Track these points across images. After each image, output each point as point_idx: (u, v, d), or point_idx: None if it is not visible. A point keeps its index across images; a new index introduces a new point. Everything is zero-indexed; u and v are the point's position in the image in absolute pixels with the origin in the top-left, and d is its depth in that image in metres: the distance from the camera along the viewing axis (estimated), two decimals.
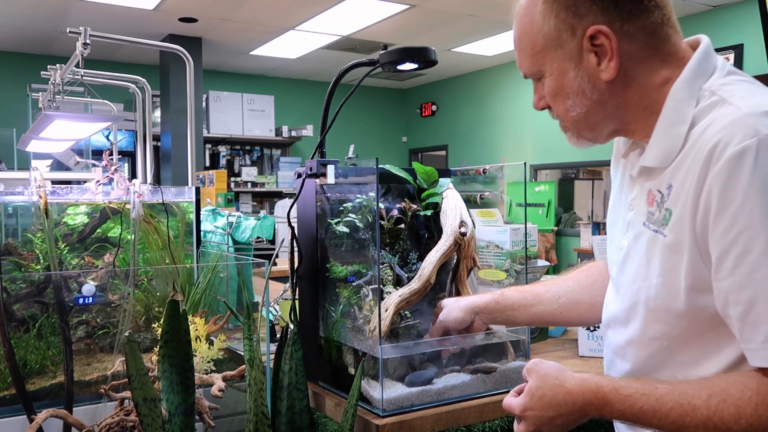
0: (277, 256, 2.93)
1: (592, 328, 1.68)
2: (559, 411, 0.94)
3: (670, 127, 0.91)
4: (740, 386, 0.83)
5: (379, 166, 1.38)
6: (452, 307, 1.32)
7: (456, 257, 1.46)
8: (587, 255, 6.25)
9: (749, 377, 0.83)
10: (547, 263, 2.06)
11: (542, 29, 0.96)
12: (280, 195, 7.68)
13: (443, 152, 8.68)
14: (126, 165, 6.60)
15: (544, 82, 0.99)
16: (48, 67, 2.63)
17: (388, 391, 1.27)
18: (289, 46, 6.68)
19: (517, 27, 1.00)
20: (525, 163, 1.56)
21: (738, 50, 5.21)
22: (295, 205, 1.47)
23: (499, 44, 6.69)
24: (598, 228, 6.33)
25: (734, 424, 0.82)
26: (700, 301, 0.88)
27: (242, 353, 1.63)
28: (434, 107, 8.74)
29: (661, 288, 0.92)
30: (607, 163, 6.62)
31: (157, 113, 6.79)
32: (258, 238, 2.12)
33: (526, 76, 1.03)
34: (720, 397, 0.83)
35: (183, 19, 5.70)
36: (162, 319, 1.20)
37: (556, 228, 7.01)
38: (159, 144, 6.84)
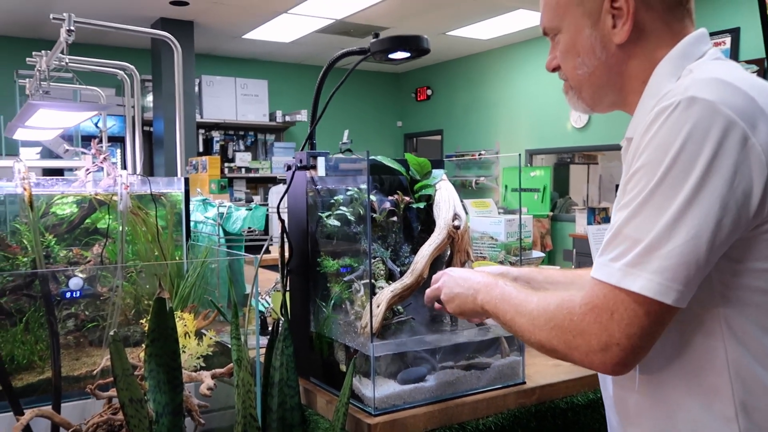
0: (268, 250, 2.89)
1: None
2: (460, 286, 1.12)
3: (647, 99, 0.94)
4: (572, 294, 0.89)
5: (371, 157, 1.35)
6: (483, 271, 1.23)
7: (449, 251, 1.43)
8: (583, 241, 6.23)
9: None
10: (542, 254, 2.04)
11: None
12: (274, 181, 7.64)
13: (438, 137, 8.63)
14: (117, 151, 6.53)
15: (560, 39, 1.01)
16: (33, 53, 2.57)
17: (380, 389, 1.24)
18: (283, 30, 6.60)
19: None
20: (519, 155, 1.53)
21: (735, 34, 5.17)
22: (285, 198, 1.44)
23: (494, 28, 6.62)
24: (594, 213, 6.31)
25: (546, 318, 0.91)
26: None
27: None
28: (429, 92, 8.68)
29: None
30: (601, 148, 6.53)
31: (150, 98, 6.72)
32: (249, 228, 2.09)
33: (545, 31, 1.05)
34: (553, 297, 0.92)
35: (174, 2, 5.62)
36: (148, 317, 1.17)
37: (551, 213, 6.99)
38: (152, 129, 6.77)
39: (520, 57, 7.33)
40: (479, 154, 7.65)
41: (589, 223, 6.27)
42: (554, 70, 1.06)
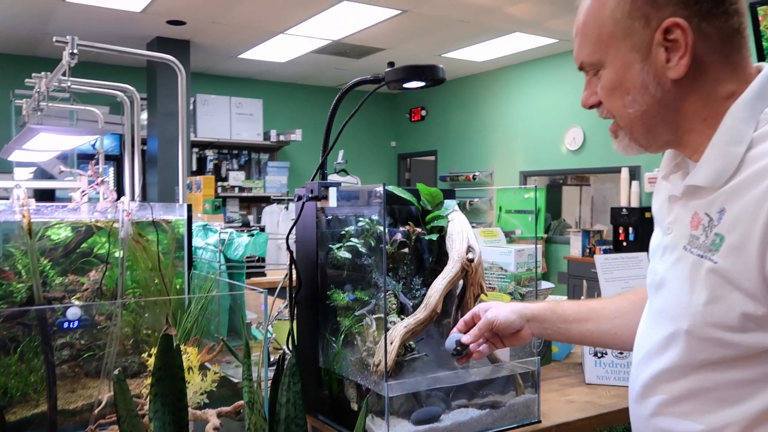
0: (264, 274, 2.84)
1: (600, 354, 1.62)
2: None
3: (728, 145, 0.86)
4: None
5: (386, 188, 1.31)
6: (501, 308, 1.20)
7: (462, 284, 1.39)
8: (577, 263, 6.22)
9: None
10: (552, 285, 2.00)
11: (613, 14, 0.90)
12: (267, 200, 7.59)
13: (432, 157, 8.63)
14: (111, 170, 6.47)
15: (601, 75, 0.94)
16: (33, 75, 2.53)
17: (393, 430, 1.20)
18: (279, 50, 6.60)
19: (584, 10, 0.95)
20: (536, 187, 1.49)
21: None
22: (294, 229, 1.40)
23: (489, 50, 6.65)
24: (588, 236, 6.30)
25: None
26: (757, 336, 0.82)
27: (235, 379, 1.56)
28: (423, 112, 8.69)
29: (709, 317, 0.85)
30: (593, 170, 6.55)
31: (144, 115, 6.68)
32: (250, 255, 2.05)
33: (583, 66, 0.97)
34: None
35: (171, 22, 5.60)
36: (154, 355, 1.12)
37: (545, 235, 6.97)
38: (145, 147, 6.72)
39: (515, 79, 7.37)
40: (474, 176, 7.65)
41: (584, 246, 6.26)
42: (592, 107, 0.99)
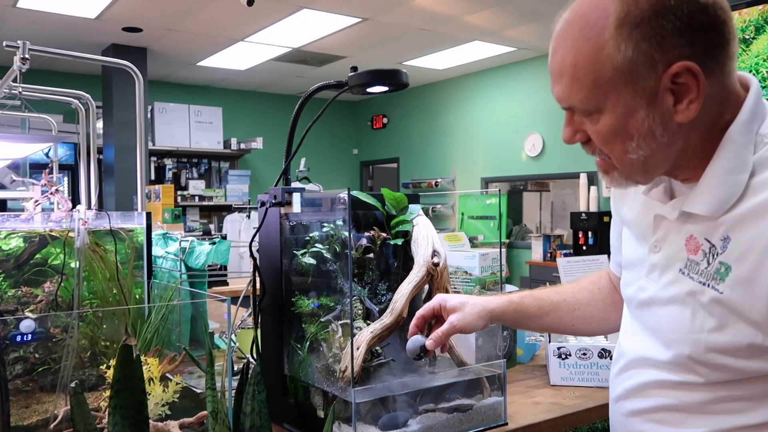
0: (226, 283, 2.80)
1: (564, 356, 1.64)
2: None
3: (730, 173, 0.84)
4: None
5: (351, 193, 1.31)
6: (466, 313, 1.19)
7: (428, 288, 1.39)
8: (539, 267, 6.30)
9: None
10: (516, 288, 2.01)
11: (613, 59, 0.82)
12: (229, 209, 7.49)
13: (395, 164, 8.65)
14: (65, 179, 6.30)
15: (597, 119, 0.87)
16: None
17: None
18: (238, 58, 6.54)
19: (571, 51, 0.86)
20: (500, 192, 1.50)
21: None
22: (257, 236, 1.38)
23: (449, 58, 6.71)
24: (549, 241, 6.39)
25: None
26: (761, 363, 0.83)
27: (197, 389, 1.52)
28: (385, 120, 8.72)
29: (712, 344, 0.85)
30: (553, 176, 6.64)
31: (99, 124, 6.53)
32: (211, 263, 2.01)
33: (571, 108, 0.90)
34: None
35: (127, 29, 5.50)
36: (113, 366, 1.09)
37: (507, 240, 7.05)
38: (101, 157, 6.57)
39: (475, 87, 7.45)
40: (436, 182, 7.69)
41: (545, 251, 6.35)
42: (575, 143, 0.93)
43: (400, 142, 8.52)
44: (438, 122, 7.94)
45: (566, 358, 1.64)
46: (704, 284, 0.86)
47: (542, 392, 1.59)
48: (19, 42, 1.68)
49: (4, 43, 1.69)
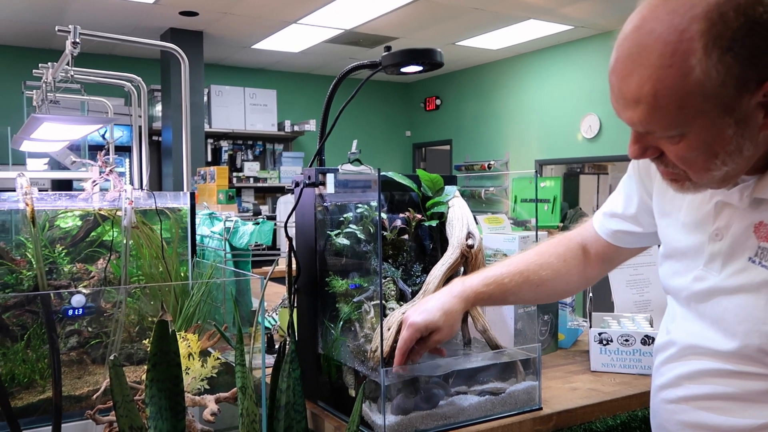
0: (276, 263, 2.86)
1: (605, 342, 1.60)
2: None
3: None
4: None
5: (382, 173, 1.30)
6: (446, 326, 1.17)
7: (462, 270, 1.38)
8: None
9: None
10: None
11: (702, 85, 0.76)
12: (282, 190, 7.61)
13: (447, 147, 8.58)
14: (125, 161, 6.52)
15: (677, 140, 0.82)
16: (39, 65, 2.54)
17: (390, 416, 1.19)
18: (292, 40, 6.59)
19: (649, 80, 0.79)
20: (535, 172, 1.47)
21: None
22: (293, 215, 1.39)
23: (504, 38, 6.58)
24: None
25: None
26: None
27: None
28: (438, 101, 8.64)
29: None
30: (609, 158, 6.42)
31: (159, 107, 6.71)
32: (256, 243, 2.05)
33: (646, 132, 0.84)
34: None
35: (184, 13, 5.62)
36: (150, 340, 1.13)
37: (561, 224, 6.91)
38: (160, 139, 6.77)
39: (530, 67, 7.29)
40: (489, 165, 7.60)
41: None
42: (641, 158, 0.89)
43: (453, 124, 8.44)
44: (491, 103, 7.82)
45: (607, 344, 1.60)
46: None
47: (581, 378, 1.56)
48: (70, 27, 1.74)
49: (57, 29, 1.75)
